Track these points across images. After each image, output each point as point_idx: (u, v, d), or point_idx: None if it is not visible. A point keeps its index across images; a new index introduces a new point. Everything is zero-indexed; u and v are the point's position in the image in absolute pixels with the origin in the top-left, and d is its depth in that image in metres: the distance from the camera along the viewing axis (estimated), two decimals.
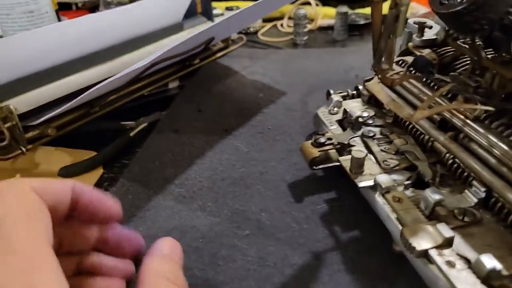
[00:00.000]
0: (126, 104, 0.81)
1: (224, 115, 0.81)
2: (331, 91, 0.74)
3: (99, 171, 0.68)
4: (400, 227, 0.48)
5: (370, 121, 0.66)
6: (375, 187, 0.53)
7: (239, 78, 0.98)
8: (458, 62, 0.59)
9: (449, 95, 0.57)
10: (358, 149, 0.57)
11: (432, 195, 0.48)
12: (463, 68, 0.58)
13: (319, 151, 0.59)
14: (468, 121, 0.53)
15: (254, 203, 0.60)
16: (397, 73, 0.49)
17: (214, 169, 0.67)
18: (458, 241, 0.45)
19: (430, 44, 0.61)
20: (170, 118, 0.81)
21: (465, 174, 0.52)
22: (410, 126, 0.62)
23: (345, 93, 0.76)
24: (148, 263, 0.32)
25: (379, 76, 0.47)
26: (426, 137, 0.59)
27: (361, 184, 0.54)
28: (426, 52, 0.60)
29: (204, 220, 0.57)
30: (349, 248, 0.52)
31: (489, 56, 0.51)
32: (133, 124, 0.79)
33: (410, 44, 0.62)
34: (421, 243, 0.43)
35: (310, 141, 0.61)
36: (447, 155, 0.55)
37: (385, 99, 0.50)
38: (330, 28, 1.30)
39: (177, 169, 0.67)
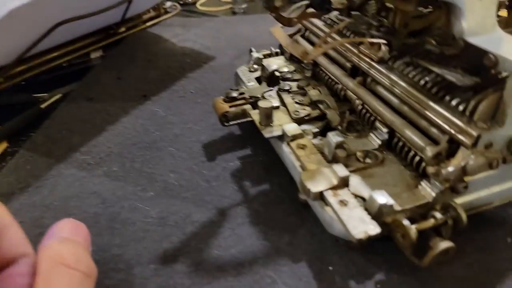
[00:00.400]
0: (42, 75, 0.76)
1: (145, 82, 0.77)
2: (253, 49, 0.71)
3: (3, 145, 0.63)
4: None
5: (288, 76, 0.64)
6: (283, 137, 0.51)
7: (168, 45, 0.93)
8: (367, 6, 0.57)
9: (354, 37, 0.54)
10: (267, 100, 0.54)
11: (333, 138, 0.46)
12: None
13: (230, 106, 0.56)
14: (373, 63, 0.51)
15: (164, 165, 0.56)
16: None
17: (126, 134, 0.63)
18: (357, 182, 0.44)
19: None
20: (85, 87, 0.76)
21: (372, 117, 0.50)
22: (326, 77, 0.60)
23: (268, 52, 0.73)
24: (43, 248, 0.28)
25: (274, 15, 0.44)
26: (339, 86, 0.57)
27: (267, 135, 0.51)
28: None
29: (108, 185, 0.53)
30: (255, 201, 0.49)
31: None
32: (46, 96, 0.74)
33: None
34: (317, 185, 0.41)
35: (222, 97, 0.58)
36: (357, 101, 0.53)
37: (284, 41, 0.48)
38: None
39: (85, 137, 0.63)
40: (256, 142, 0.59)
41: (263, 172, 0.54)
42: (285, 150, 0.49)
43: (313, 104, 0.56)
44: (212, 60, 0.85)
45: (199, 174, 0.54)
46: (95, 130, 0.64)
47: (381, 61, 0.50)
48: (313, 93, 0.58)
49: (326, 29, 0.59)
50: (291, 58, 0.70)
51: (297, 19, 0.46)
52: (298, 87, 0.61)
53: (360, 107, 0.53)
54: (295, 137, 0.49)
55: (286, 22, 0.45)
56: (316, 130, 0.51)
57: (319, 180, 0.42)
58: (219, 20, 1.09)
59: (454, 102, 0.40)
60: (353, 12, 0.51)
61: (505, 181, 0.43)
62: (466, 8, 0.39)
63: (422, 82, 0.44)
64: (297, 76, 0.64)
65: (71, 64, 0.84)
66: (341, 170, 0.41)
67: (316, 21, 0.62)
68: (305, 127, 0.53)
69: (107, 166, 0.57)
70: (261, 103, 0.52)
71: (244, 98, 0.57)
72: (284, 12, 0.45)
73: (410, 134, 0.44)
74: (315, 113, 0.55)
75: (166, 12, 1.08)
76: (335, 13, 0.59)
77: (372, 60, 0.51)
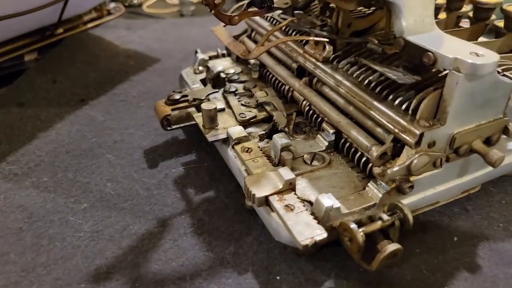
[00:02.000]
0: None
1: (84, 85, 0.72)
2: (198, 50, 0.68)
3: None
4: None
5: (235, 77, 0.62)
6: (228, 140, 0.48)
7: (111, 47, 0.88)
8: (311, 6, 0.56)
9: (303, 42, 0.53)
10: (210, 102, 0.51)
11: (279, 140, 0.44)
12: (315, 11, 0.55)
13: (172, 109, 0.53)
14: (318, 63, 0.50)
15: (100, 174, 0.52)
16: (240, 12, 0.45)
17: (59, 142, 0.58)
18: (304, 185, 0.42)
19: None
20: (16, 91, 0.70)
21: (319, 119, 0.49)
22: (273, 79, 0.58)
23: (215, 53, 0.70)
24: None
25: (213, 12, 0.42)
26: (286, 87, 0.55)
27: (211, 138, 0.48)
28: None
29: (36, 198, 0.48)
30: (199, 209, 0.46)
31: None
32: None
33: None
34: (262, 189, 0.39)
35: (164, 100, 0.55)
36: (304, 102, 0.52)
37: (226, 40, 0.45)
38: None
39: (12, 146, 0.57)
40: (201, 147, 0.56)
41: (208, 178, 0.51)
42: (230, 154, 0.47)
43: (260, 106, 0.54)
44: (157, 62, 0.81)
45: (139, 182, 0.51)
46: (24, 137, 0.59)
47: (326, 61, 0.49)
48: (260, 94, 0.56)
49: (267, 26, 0.57)
50: (238, 60, 0.68)
51: (237, 16, 0.44)
52: (245, 88, 0.59)
53: (307, 108, 0.51)
54: (240, 140, 0.47)
55: (227, 20, 0.43)
56: (263, 132, 0.49)
57: (264, 185, 0.40)
58: (166, 22, 1.05)
59: (397, 101, 0.40)
60: (296, 12, 0.49)
61: (449, 180, 0.43)
62: (405, 7, 0.38)
63: (366, 81, 0.44)
64: (243, 78, 0.62)
65: (1, 68, 0.77)
66: (286, 173, 0.39)
67: (262, 21, 0.60)
68: (251, 130, 0.51)
69: (36, 176, 0.52)
70: (204, 105, 0.49)
71: (187, 101, 0.54)
72: (225, 11, 0.43)
73: (356, 134, 0.43)
74: (262, 115, 0.53)
75: (109, 14, 1.03)
76: (279, 12, 0.57)
77: (317, 60, 0.50)
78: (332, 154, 0.46)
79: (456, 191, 0.44)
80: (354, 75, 0.45)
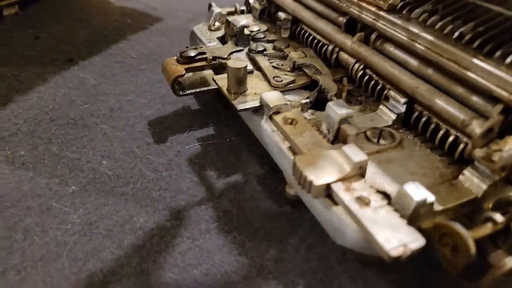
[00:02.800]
0: None
1: (72, 44, 0.60)
2: (213, 4, 0.56)
3: None
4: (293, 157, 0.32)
5: (260, 35, 0.50)
6: (262, 110, 0.37)
7: (104, 4, 0.75)
8: None
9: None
10: (239, 58, 0.40)
11: (337, 110, 0.33)
12: None
13: (186, 69, 0.41)
14: (381, 13, 0.38)
15: (93, 149, 0.40)
16: None
17: (41, 107, 0.46)
18: (373, 171, 0.31)
19: None
20: None
21: (380, 85, 0.38)
22: (311, 38, 0.47)
23: (232, 9, 0.58)
24: None
25: None
26: (330, 47, 0.44)
27: (240, 106, 0.37)
28: None
29: (9, 176, 0.37)
30: (224, 198, 0.35)
31: None
32: None
33: None
34: (321, 175, 0.28)
35: (176, 56, 0.43)
36: (356, 65, 0.41)
37: None
38: None
39: None
40: (220, 119, 0.45)
41: (232, 158, 0.40)
42: (265, 127, 0.36)
43: (298, 69, 0.43)
44: (159, 22, 0.69)
45: (143, 161, 0.39)
46: None
47: (391, 10, 0.38)
48: (296, 55, 0.44)
49: None
50: (261, 17, 0.56)
51: None
52: (275, 48, 0.47)
53: (360, 72, 0.40)
54: (279, 109, 0.36)
55: None
56: (306, 100, 0.38)
57: (324, 168, 0.29)
58: None
59: (510, 59, 0.29)
60: None
61: None
62: None
63: (456, 33, 0.32)
64: (271, 37, 0.50)
65: None
66: (355, 152, 0.29)
67: None
68: (290, 97, 0.40)
69: (10, 149, 0.40)
70: (231, 63, 0.38)
71: (205, 59, 0.43)
72: None
73: (443, 104, 0.32)
74: (302, 79, 0.41)
75: None
76: None
77: (380, 8, 0.38)
78: (400, 130, 0.35)
79: None
80: (437, 26, 0.34)
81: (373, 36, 0.40)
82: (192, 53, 0.42)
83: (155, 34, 0.64)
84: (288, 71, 0.43)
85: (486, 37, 0.31)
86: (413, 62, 0.36)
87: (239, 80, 0.38)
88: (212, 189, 0.36)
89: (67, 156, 0.39)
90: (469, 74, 0.31)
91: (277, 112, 0.35)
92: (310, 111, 0.38)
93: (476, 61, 0.30)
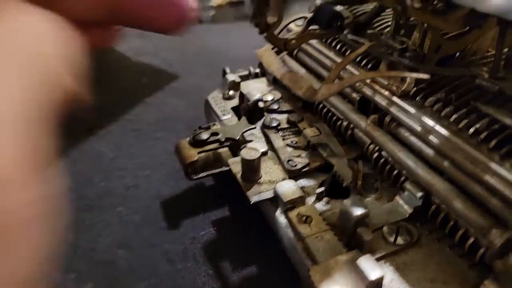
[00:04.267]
0: None
1: (88, 108, 0.61)
2: (227, 70, 0.57)
3: None
4: (309, 262, 0.32)
5: (274, 106, 0.50)
6: (276, 200, 0.37)
7: (121, 59, 0.77)
8: (377, 21, 0.44)
9: (369, 65, 0.41)
10: (252, 147, 0.40)
11: (352, 210, 0.32)
12: (384, 29, 0.43)
13: (198, 153, 0.42)
14: (394, 98, 0.38)
15: (109, 236, 0.41)
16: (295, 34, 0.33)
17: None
18: (391, 277, 0.30)
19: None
20: None
21: (395, 171, 0.37)
22: (325, 110, 0.47)
23: (246, 72, 0.59)
24: None
25: (265, 34, 0.31)
26: (344, 123, 0.44)
27: (255, 198, 0.37)
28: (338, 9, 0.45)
29: None
30: None
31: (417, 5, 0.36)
32: None
33: (318, 0, 0.47)
34: None
35: (188, 138, 0.43)
36: (371, 146, 0.40)
37: (278, 70, 0.34)
38: (241, 2, 1.13)
39: None
40: (236, 197, 0.45)
41: (248, 246, 0.40)
42: (280, 221, 0.36)
43: (312, 148, 0.43)
44: (175, 80, 0.70)
45: (158, 250, 0.39)
46: None
47: (404, 96, 0.37)
48: (310, 132, 0.44)
49: (324, 49, 0.45)
50: (276, 81, 0.56)
51: (295, 40, 0.32)
52: (289, 122, 0.47)
53: (376, 154, 0.39)
54: (294, 203, 0.35)
55: (282, 45, 0.32)
56: (321, 189, 0.38)
57: (338, 282, 0.28)
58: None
59: None
60: (369, 31, 0.37)
61: None
62: None
63: (471, 129, 0.32)
64: (285, 107, 0.50)
65: None
66: (371, 268, 0.28)
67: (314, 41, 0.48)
68: (302, 182, 0.39)
69: None
70: (245, 153, 0.38)
71: (217, 141, 0.43)
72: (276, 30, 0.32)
73: (462, 207, 0.31)
74: (316, 162, 0.41)
75: None
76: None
77: (393, 93, 0.38)
78: (417, 225, 0.34)
79: None
80: (452, 119, 0.33)
81: (387, 119, 0.39)
82: (204, 136, 0.43)
83: (172, 95, 0.65)
84: (302, 149, 0.43)
85: (503, 137, 0.30)
86: (428, 151, 0.35)
87: (252, 170, 0.38)
88: (228, 284, 0.36)
89: (84, 247, 0.40)
90: (487, 177, 0.30)
91: (292, 207, 0.35)
92: (325, 199, 0.38)
93: (492, 164, 0.29)
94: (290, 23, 0.36)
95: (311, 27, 0.34)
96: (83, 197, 0.46)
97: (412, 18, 0.37)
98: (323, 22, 0.32)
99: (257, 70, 0.59)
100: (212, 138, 0.43)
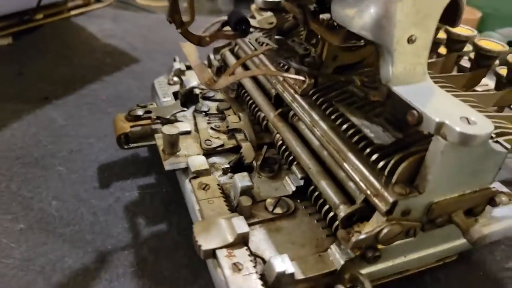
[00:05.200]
0: None
1: (51, 81, 0.67)
2: (177, 59, 0.63)
3: None
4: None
5: (210, 95, 0.57)
6: (187, 171, 0.44)
7: (91, 40, 0.83)
8: (298, 30, 0.51)
9: (285, 67, 0.49)
10: (174, 126, 0.46)
11: (239, 182, 0.39)
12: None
13: (131, 126, 0.48)
14: (296, 96, 0.45)
15: (47, 189, 0.47)
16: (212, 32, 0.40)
17: (11, 145, 0.53)
18: (261, 237, 0.38)
19: (274, 7, 0.53)
20: None
21: (290, 157, 0.45)
22: (250, 102, 0.54)
23: None
24: None
25: (181, 31, 0.37)
26: (262, 114, 0.51)
27: (168, 167, 0.44)
28: (266, 15, 0.52)
29: None
30: (145, 246, 0.42)
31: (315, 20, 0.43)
32: None
33: (253, 6, 0.53)
34: (209, 241, 0.35)
35: (125, 113, 0.50)
36: (277, 135, 0.47)
37: (194, 60, 0.41)
38: None
39: None
40: (162, 168, 0.52)
41: (163, 207, 0.46)
42: (187, 187, 0.42)
43: (230, 132, 0.50)
44: (135, 63, 0.76)
45: (86, 204, 0.46)
46: None
47: (304, 95, 0.45)
48: (232, 119, 0.51)
49: (249, 50, 0.52)
50: (218, 74, 0.63)
51: (208, 38, 0.39)
52: (218, 109, 0.54)
53: (279, 142, 0.47)
54: (199, 174, 0.42)
55: (196, 41, 0.38)
56: (227, 166, 0.45)
57: (214, 235, 0.35)
58: (155, 18, 1.00)
59: (373, 157, 0.35)
60: (277, 37, 0.44)
61: (422, 249, 0.38)
62: (396, 52, 0.34)
63: (343, 126, 0.39)
64: (219, 96, 0.57)
65: None
66: (240, 225, 0.35)
67: (244, 40, 0.55)
68: (216, 159, 0.46)
69: None
70: (165, 129, 0.44)
71: (149, 118, 0.50)
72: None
73: (325, 186, 0.38)
74: (230, 143, 0.48)
75: (98, 1, 0.98)
76: (259, 34, 0.53)
77: (296, 92, 0.45)
78: (298, 201, 0.42)
79: (430, 260, 0.40)
80: (333, 117, 0.41)
81: (291, 113, 0.46)
82: (140, 112, 0.49)
83: (129, 76, 0.71)
84: (223, 133, 0.50)
85: (361, 136, 0.37)
86: (315, 142, 0.42)
87: (171, 143, 0.45)
88: (138, 236, 0.43)
89: (23, 195, 0.46)
90: (345, 165, 0.37)
91: (196, 176, 0.42)
92: (229, 174, 0.45)
93: (350, 155, 0.37)
94: (213, 24, 0.43)
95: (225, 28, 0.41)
96: (30, 155, 0.52)
97: None
98: (231, 24, 0.38)
99: (205, 62, 0.65)
100: (145, 115, 0.50)
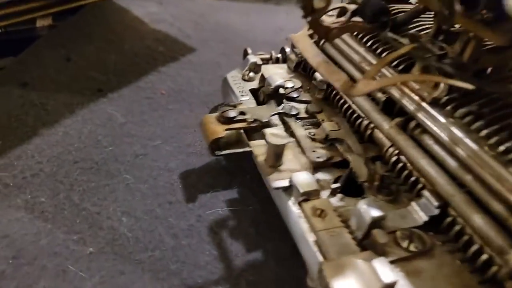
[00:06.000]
0: None
1: (103, 69, 0.59)
2: (249, 50, 0.56)
3: None
4: (320, 258, 0.31)
5: (294, 95, 0.49)
6: (289, 189, 0.36)
7: (138, 25, 0.75)
8: (415, 22, 0.43)
9: (400, 66, 0.41)
10: (277, 133, 0.39)
11: (369, 211, 0.32)
12: (421, 31, 0.42)
13: (226, 130, 0.41)
14: (423, 104, 0.37)
15: (115, 202, 0.40)
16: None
17: (66, 145, 0.46)
18: (401, 283, 0.30)
19: None
20: (20, 66, 0.57)
21: (414, 178, 0.37)
22: (346, 106, 0.46)
23: (267, 56, 0.58)
24: None
25: (310, 20, 0.29)
26: (365, 121, 0.43)
27: (276, 184, 0.36)
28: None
29: (28, 225, 0.36)
30: (242, 280, 0.35)
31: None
32: None
33: None
34: None
35: (216, 114, 0.42)
36: (391, 149, 0.40)
37: (314, 58, 0.33)
38: None
39: (6, 142, 0.45)
40: (245, 180, 0.44)
41: (252, 230, 0.39)
42: (293, 210, 0.35)
43: (330, 142, 0.42)
44: (192, 53, 0.68)
45: (163, 223, 0.39)
46: (23, 132, 0.46)
47: (435, 103, 0.37)
48: (329, 126, 0.43)
49: (354, 43, 0.44)
50: (296, 69, 0.55)
51: (338, 30, 0.31)
52: (307, 112, 0.47)
53: (394, 158, 0.39)
54: (308, 195, 0.35)
55: (323, 33, 0.31)
56: (337, 185, 0.37)
57: (352, 282, 0.28)
58: (202, 3, 0.92)
59: None
60: (410, 32, 0.36)
61: None
62: None
63: (501, 147, 0.31)
64: (305, 97, 0.49)
65: (9, 32, 0.64)
66: (385, 272, 0.28)
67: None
68: (319, 176, 0.39)
69: (31, 192, 0.40)
70: (272, 138, 0.37)
71: (244, 120, 0.42)
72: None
73: (482, 223, 0.31)
74: (336, 157, 0.40)
75: None
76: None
77: (423, 99, 0.37)
78: (430, 233, 0.34)
79: None
80: (482, 134, 0.33)
81: (412, 124, 0.38)
82: (233, 114, 0.42)
83: (186, 67, 0.64)
84: (321, 142, 0.42)
85: None
86: (451, 163, 0.35)
87: (277, 155, 0.37)
88: (231, 267, 0.36)
89: (88, 209, 0.39)
90: (509, 196, 0.29)
91: (307, 199, 0.35)
92: (339, 195, 0.37)
93: None
94: (332, 10, 0.35)
95: (353, 19, 0.33)
96: (90, 159, 0.45)
97: (457, 26, 0.36)
98: (368, 15, 0.31)
99: (279, 55, 0.58)
100: (240, 117, 0.42)
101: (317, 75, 0.49)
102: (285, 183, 0.36)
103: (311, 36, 0.36)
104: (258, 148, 0.39)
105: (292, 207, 0.35)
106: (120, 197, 0.41)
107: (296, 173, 0.36)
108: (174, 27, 0.76)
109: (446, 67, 0.34)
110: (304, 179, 0.36)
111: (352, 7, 0.33)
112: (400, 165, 0.38)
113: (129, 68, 0.61)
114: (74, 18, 0.71)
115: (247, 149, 0.41)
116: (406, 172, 0.38)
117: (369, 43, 0.44)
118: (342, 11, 0.33)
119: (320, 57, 0.34)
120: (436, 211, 0.34)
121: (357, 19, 0.33)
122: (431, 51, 0.36)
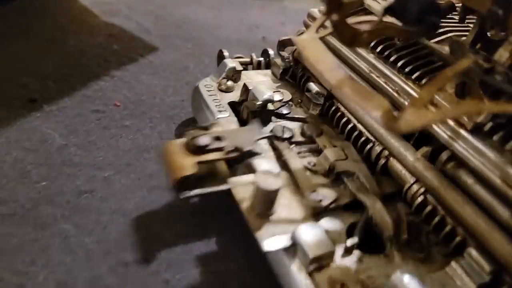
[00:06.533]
0: None
1: (39, 73, 0.47)
2: (225, 53, 0.45)
3: None
4: None
5: (284, 111, 0.39)
6: (293, 250, 0.27)
7: (87, 18, 0.62)
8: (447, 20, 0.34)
9: (415, 74, 0.32)
10: (268, 170, 0.29)
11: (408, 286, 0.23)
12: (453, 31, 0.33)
13: (197, 163, 0.30)
14: (462, 131, 0.29)
15: (46, 267, 0.29)
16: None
17: None
18: None
19: None
20: None
21: (449, 227, 0.29)
22: (350, 126, 0.37)
23: (247, 59, 0.48)
24: None
25: (336, 18, 0.20)
26: (377, 148, 0.34)
27: (269, 246, 0.26)
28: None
29: None
30: None
31: None
32: None
33: None
34: None
35: (183, 139, 0.32)
36: (415, 186, 0.31)
37: (332, 74, 0.23)
38: None
39: None
40: (226, 226, 0.34)
41: None
42: (299, 280, 0.25)
43: (336, 176, 0.33)
44: (152, 52, 0.57)
45: None
46: None
47: (476, 131, 0.28)
48: (334, 155, 0.34)
49: (362, 51, 0.35)
50: (283, 77, 0.45)
51: (367, 34, 0.22)
52: (304, 135, 0.37)
53: (420, 198, 0.30)
54: (321, 259, 0.25)
55: (349, 38, 0.21)
56: (353, 242, 0.28)
57: None
58: None
59: None
60: (452, 35, 0.28)
61: None
62: None
63: None
64: (297, 112, 0.40)
65: None
66: None
67: None
68: (326, 224, 0.29)
69: None
70: (261, 180, 0.27)
71: (222, 149, 0.32)
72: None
73: None
74: (345, 198, 0.31)
75: None
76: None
77: (461, 126, 0.29)
78: None
79: None
80: None
81: (444, 155, 0.30)
82: (206, 140, 0.31)
83: (147, 71, 0.52)
84: (321, 175, 0.33)
85: None
86: (503, 211, 0.26)
87: (267, 203, 0.28)
88: None
89: (4, 280, 0.27)
90: None
91: (320, 266, 0.25)
92: (356, 252, 0.28)
93: None
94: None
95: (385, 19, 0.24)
96: (13, 201, 0.33)
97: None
98: (411, 15, 0.21)
99: (261, 59, 0.48)
100: (215, 145, 0.31)
101: (313, 87, 0.40)
102: (282, 242, 0.27)
103: (322, 39, 0.26)
104: (239, 189, 0.29)
105: (298, 277, 0.26)
106: (55, 258, 0.29)
107: (300, 227, 0.27)
108: (131, 21, 0.64)
109: (504, 85, 0.25)
110: (313, 236, 0.26)
111: (384, 3, 0.24)
112: (429, 208, 0.30)
113: (74, 72, 0.48)
114: (9, 7, 0.58)
115: (223, 187, 0.31)
116: (437, 218, 0.29)
117: (379, 48, 0.36)
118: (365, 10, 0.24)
119: (342, 72, 0.24)
120: (487, 278, 0.26)
121: (388, 18, 0.24)
122: (477, 63, 0.27)
